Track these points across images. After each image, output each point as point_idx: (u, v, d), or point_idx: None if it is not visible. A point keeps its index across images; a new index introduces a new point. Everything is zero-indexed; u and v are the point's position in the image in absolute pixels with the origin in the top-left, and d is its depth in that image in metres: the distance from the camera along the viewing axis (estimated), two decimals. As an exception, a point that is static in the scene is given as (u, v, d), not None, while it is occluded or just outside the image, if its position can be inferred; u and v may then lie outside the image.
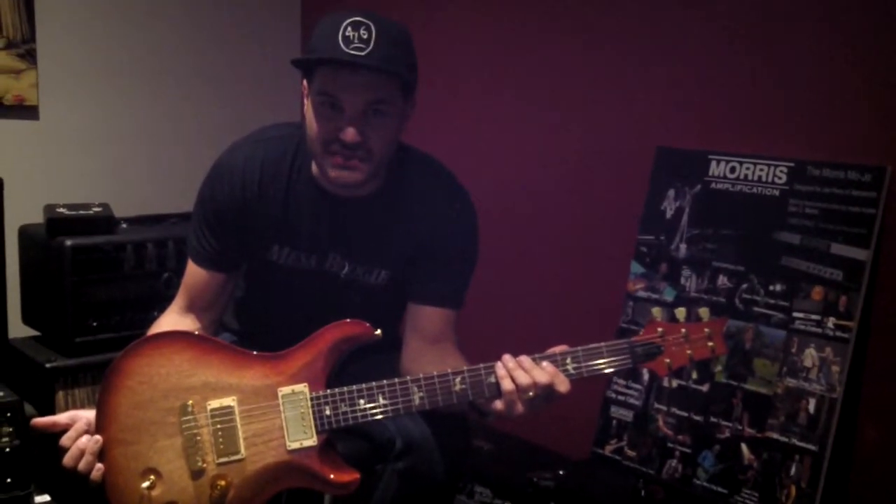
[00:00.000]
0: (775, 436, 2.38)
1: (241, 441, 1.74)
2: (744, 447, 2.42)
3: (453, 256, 2.01)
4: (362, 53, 1.75)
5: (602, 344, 1.75)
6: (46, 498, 2.46)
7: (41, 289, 2.94)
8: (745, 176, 2.56)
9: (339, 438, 1.83)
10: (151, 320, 2.09)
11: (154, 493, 1.70)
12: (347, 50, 1.75)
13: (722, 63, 2.68)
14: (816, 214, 2.41)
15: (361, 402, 1.74)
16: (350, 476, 1.73)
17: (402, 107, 1.87)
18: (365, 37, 1.75)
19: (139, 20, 3.54)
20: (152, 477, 1.71)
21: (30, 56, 3.22)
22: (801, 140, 2.52)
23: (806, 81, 2.51)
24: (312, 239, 2.00)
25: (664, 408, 2.60)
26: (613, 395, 2.72)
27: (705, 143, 2.68)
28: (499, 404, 1.73)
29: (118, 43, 3.48)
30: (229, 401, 1.76)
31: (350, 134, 1.80)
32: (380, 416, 1.74)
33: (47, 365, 2.79)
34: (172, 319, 2.04)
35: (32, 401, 2.59)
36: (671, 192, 2.70)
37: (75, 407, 2.78)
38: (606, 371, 1.75)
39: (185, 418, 1.74)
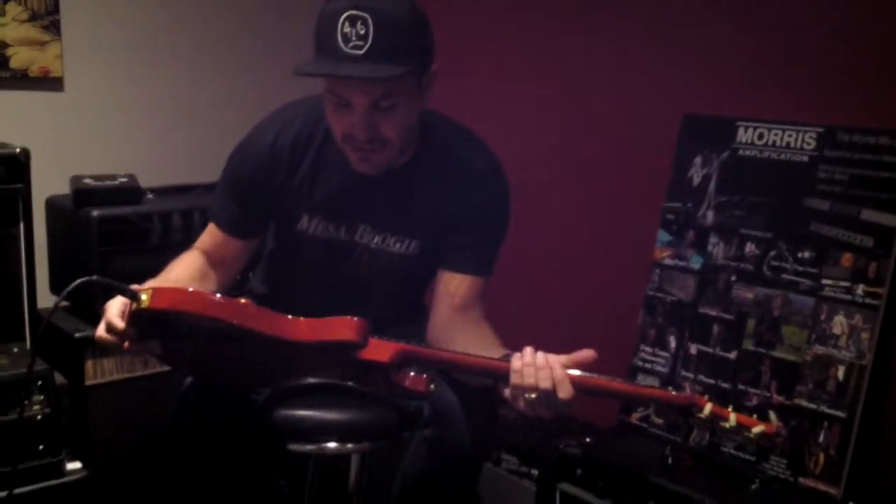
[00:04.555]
0: (804, 403, 2.37)
1: None
2: (772, 414, 2.41)
3: (485, 222, 2.01)
4: (360, 52, 1.73)
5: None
6: (78, 465, 2.49)
7: (69, 259, 2.96)
8: (774, 142, 2.53)
9: (367, 406, 1.83)
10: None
11: None
12: (346, 49, 1.74)
13: (750, 28, 2.65)
14: (846, 180, 2.38)
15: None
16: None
17: (416, 85, 1.85)
18: (362, 32, 1.72)
19: (163, -10, 3.53)
20: None
21: (54, 27, 3.21)
22: (830, 105, 2.49)
23: (834, 45, 2.47)
24: (343, 210, 2.01)
25: (691, 375, 2.59)
26: (640, 363, 2.71)
27: (733, 109, 2.65)
28: (507, 392, 1.71)
29: (143, 13, 3.47)
30: None
31: (361, 131, 1.82)
32: None
33: (76, 335, 2.80)
34: (191, 258, 2.07)
35: (62, 370, 2.62)
36: (698, 159, 2.68)
37: (104, 376, 2.81)
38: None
39: None
